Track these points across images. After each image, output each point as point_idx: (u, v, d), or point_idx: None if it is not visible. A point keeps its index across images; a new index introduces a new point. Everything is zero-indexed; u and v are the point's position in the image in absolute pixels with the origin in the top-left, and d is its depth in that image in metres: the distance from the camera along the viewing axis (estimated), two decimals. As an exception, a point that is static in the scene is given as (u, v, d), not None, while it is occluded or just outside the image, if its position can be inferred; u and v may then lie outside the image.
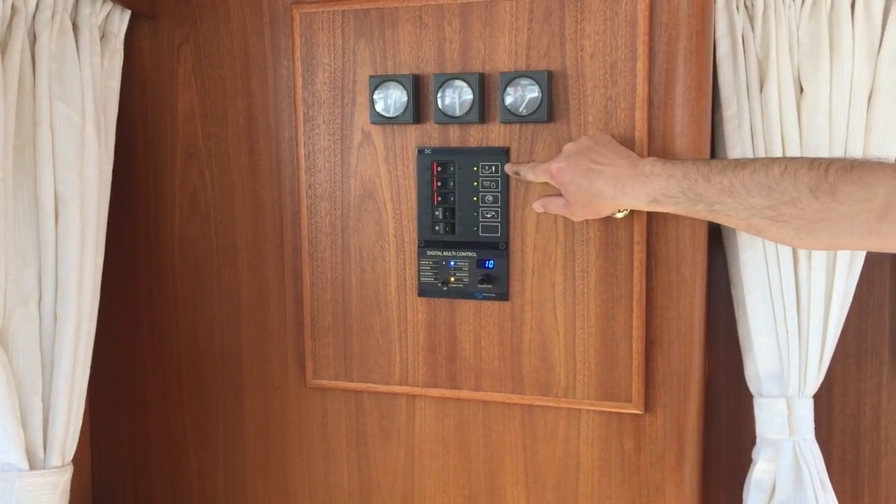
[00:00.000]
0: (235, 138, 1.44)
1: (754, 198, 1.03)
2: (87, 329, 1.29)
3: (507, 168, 1.28)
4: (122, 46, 1.41)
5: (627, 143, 1.23)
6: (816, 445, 1.32)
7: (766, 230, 1.05)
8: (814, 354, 1.30)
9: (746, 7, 1.32)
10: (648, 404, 1.29)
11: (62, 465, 1.26)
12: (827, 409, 1.41)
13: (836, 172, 0.97)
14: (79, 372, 1.28)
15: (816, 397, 1.35)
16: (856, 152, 1.28)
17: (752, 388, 1.36)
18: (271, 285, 1.46)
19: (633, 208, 1.18)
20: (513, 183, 1.30)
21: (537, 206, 1.27)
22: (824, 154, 1.28)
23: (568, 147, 1.21)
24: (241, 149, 1.44)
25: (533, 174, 1.24)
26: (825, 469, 1.32)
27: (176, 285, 1.51)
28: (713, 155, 1.36)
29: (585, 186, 1.16)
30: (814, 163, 1.00)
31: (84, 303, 1.28)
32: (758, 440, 1.35)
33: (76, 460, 1.29)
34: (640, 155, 1.21)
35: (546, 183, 1.24)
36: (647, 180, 1.12)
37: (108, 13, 1.38)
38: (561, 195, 1.22)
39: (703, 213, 1.09)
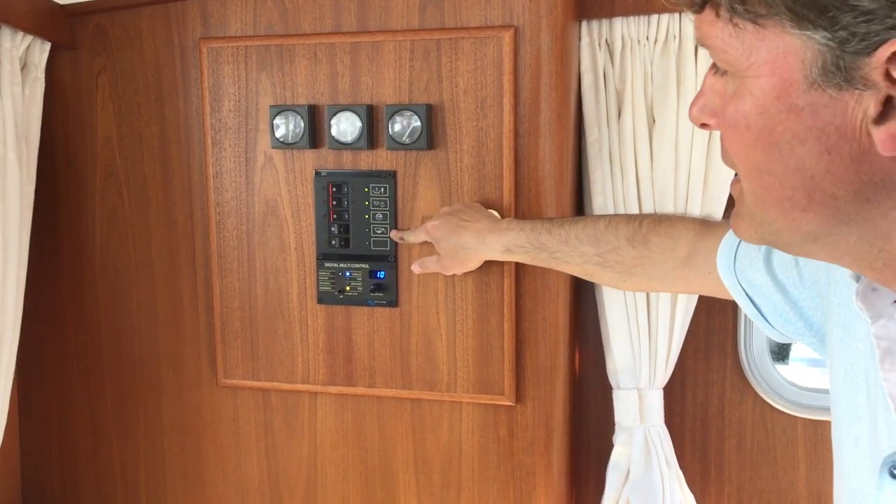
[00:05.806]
0: (150, 160, 1.57)
1: (585, 246, 1.22)
2: (9, 338, 1.42)
3: (393, 235, 1.45)
4: (43, 75, 1.53)
5: (496, 169, 1.40)
6: (665, 430, 1.52)
7: (596, 275, 1.26)
8: (662, 351, 1.49)
9: (608, 44, 1.50)
10: (519, 396, 1.46)
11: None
12: (680, 399, 1.60)
13: (648, 225, 1.17)
14: (1, 378, 1.40)
15: (671, 388, 1.55)
16: (698, 176, 1.46)
17: (612, 381, 1.54)
18: (185, 294, 1.60)
19: (490, 258, 1.36)
20: (400, 203, 1.46)
21: (415, 268, 1.43)
22: (670, 177, 1.47)
23: (443, 209, 1.41)
24: (155, 169, 1.58)
25: (414, 237, 1.42)
26: (672, 451, 1.52)
27: (97, 295, 1.64)
28: (580, 175, 1.54)
29: (454, 240, 1.35)
30: (631, 218, 1.21)
31: (7, 314, 1.40)
32: (616, 427, 1.54)
33: (6, 451, 1.41)
34: (507, 179, 1.39)
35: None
36: (503, 233, 1.31)
37: (29, 45, 1.50)
38: (432, 256, 1.40)
39: (548, 260, 1.28)
